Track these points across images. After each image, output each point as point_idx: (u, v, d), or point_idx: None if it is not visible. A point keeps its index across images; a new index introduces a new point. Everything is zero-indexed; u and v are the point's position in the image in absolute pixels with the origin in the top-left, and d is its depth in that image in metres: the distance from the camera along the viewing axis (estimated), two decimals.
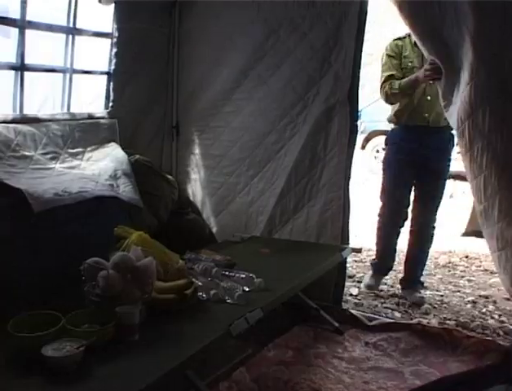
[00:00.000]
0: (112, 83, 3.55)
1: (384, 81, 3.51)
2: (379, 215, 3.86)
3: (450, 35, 2.59)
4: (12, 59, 3.01)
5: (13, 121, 2.97)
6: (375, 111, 10.62)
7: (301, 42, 3.38)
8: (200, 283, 2.29)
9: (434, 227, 3.79)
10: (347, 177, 3.32)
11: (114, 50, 3.51)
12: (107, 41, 3.52)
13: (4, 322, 1.82)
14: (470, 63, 2.41)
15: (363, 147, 10.13)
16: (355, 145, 3.36)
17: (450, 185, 9.11)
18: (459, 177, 9.64)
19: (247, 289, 2.32)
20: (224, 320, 2.06)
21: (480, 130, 2.46)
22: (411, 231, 3.85)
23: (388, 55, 3.55)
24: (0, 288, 2.14)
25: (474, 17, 2.45)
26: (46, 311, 1.93)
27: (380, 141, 10.42)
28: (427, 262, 4.87)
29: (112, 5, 3.43)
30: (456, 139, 3.28)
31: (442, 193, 3.77)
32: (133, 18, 3.53)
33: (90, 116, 3.45)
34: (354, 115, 3.29)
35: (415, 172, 3.65)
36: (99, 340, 1.81)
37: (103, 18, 3.48)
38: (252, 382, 2.54)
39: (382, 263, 3.99)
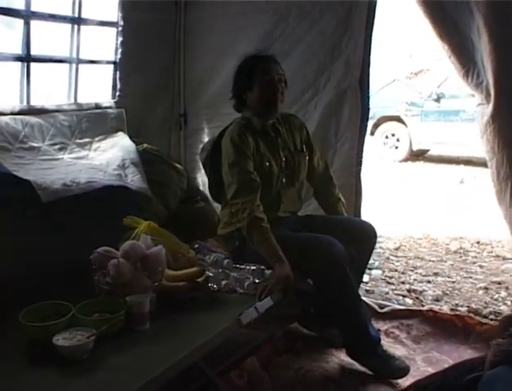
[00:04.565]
0: (118, 72, 3.52)
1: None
2: None
3: (461, 17, 2.57)
4: (17, 50, 2.98)
5: (20, 113, 2.95)
6: (383, 96, 10.61)
7: (311, 29, 3.33)
8: (210, 274, 2.28)
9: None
10: (359, 163, 3.27)
11: (120, 39, 3.48)
12: (112, 31, 3.49)
13: (15, 312, 1.83)
14: (488, 52, 2.40)
15: (372, 134, 10.10)
16: (366, 131, 3.32)
17: (460, 170, 9.14)
18: (470, 162, 9.67)
19: (257, 281, 2.30)
20: (234, 310, 2.07)
21: (493, 115, 2.47)
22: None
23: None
24: (9, 279, 2.13)
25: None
26: (57, 301, 1.94)
27: (389, 127, 10.41)
28: (436, 249, 4.87)
29: None
30: None
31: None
32: (138, 7, 3.49)
33: (98, 106, 3.42)
34: (365, 101, 3.24)
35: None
36: (109, 329, 1.82)
37: (109, 7, 3.45)
38: (262, 370, 2.54)
39: None
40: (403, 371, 2.52)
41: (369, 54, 3.20)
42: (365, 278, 3.83)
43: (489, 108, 2.53)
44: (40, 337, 1.78)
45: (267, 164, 2.65)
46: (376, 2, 3.12)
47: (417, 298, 3.61)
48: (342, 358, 2.72)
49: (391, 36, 19.10)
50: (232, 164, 2.55)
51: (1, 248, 2.23)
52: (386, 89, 11.56)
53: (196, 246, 2.61)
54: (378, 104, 9.99)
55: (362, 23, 3.15)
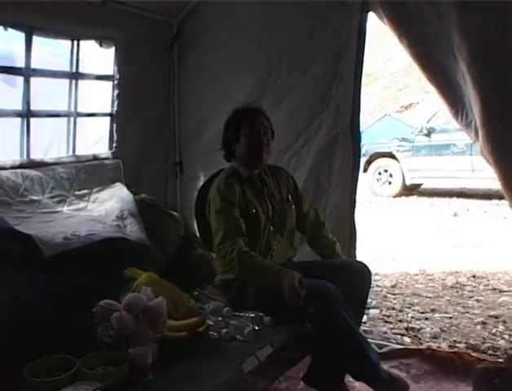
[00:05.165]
0: (115, 124, 3.61)
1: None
2: None
3: (447, 61, 2.69)
4: (18, 106, 3.06)
5: (20, 166, 3.02)
6: (375, 132, 10.76)
7: (302, 77, 3.45)
8: (211, 323, 2.31)
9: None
10: (352, 206, 3.33)
11: (116, 91, 3.58)
12: (109, 84, 3.58)
13: (19, 368, 1.85)
14: (473, 96, 2.50)
15: (365, 170, 10.21)
16: (358, 173, 3.38)
17: (454, 203, 9.22)
18: (462, 194, 9.75)
19: (257, 328, 2.35)
20: (235, 358, 2.11)
21: (483, 152, 2.58)
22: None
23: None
24: (13, 335, 2.16)
25: (466, 47, 2.55)
26: (61, 355, 1.97)
27: (381, 163, 10.53)
28: (433, 285, 4.90)
29: (113, 48, 3.51)
30: None
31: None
32: (133, 59, 3.61)
33: (95, 158, 3.50)
34: (356, 144, 3.32)
35: None
36: (113, 382, 1.84)
37: (106, 61, 3.56)
38: None
39: None
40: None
41: (359, 100, 3.30)
42: (363, 318, 3.84)
43: (479, 146, 2.63)
44: None
45: (254, 211, 2.73)
46: (364, 49, 3.24)
47: (415, 336, 3.61)
48: None
49: (382, 69, 19.48)
50: (219, 211, 2.65)
51: (3, 303, 2.26)
52: (377, 124, 11.73)
53: (196, 294, 2.67)
54: (370, 140, 10.14)
55: (351, 69, 3.25)
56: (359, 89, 3.29)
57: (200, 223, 2.99)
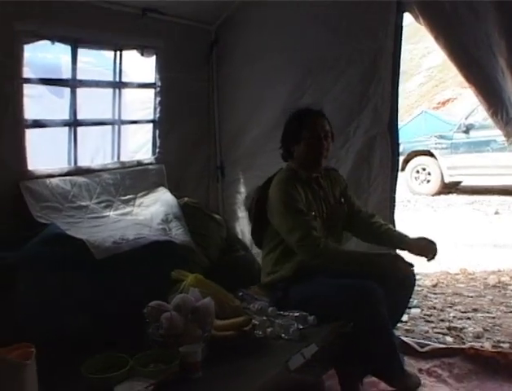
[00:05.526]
0: (157, 130, 3.71)
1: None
2: None
3: (486, 59, 2.70)
4: (65, 115, 3.18)
5: (68, 174, 3.14)
6: (412, 130, 10.63)
7: (338, 80, 3.48)
8: (256, 322, 2.38)
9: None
10: (392, 206, 3.36)
11: (158, 98, 3.68)
12: (151, 91, 3.69)
13: (74, 365, 1.95)
14: None
15: (402, 169, 10.11)
16: (397, 173, 3.40)
17: (495, 200, 9.07)
18: (504, 191, 9.57)
19: (301, 327, 2.40)
20: (281, 356, 2.17)
21: None
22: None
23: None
24: (69, 335, 2.26)
25: (505, 44, 2.56)
26: (115, 353, 2.06)
27: (419, 161, 10.42)
28: (475, 284, 4.85)
29: (154, 57, 3.61)
30: None
31: None
32: (173, 67, 3.70)
33: (139, 163, 3.61)
34: (395, 144, 3.34)
35: None
36: (165, 379, 1.92)
37: (147, 69, 3.67)
38: None
39: None
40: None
41: (397, 99, 3.31)
42: (404, 317, 3.84)
43: None
44: (102, 388, 1.88)
45: (313, 213, 2.77)
46: (400, 49, 3.25)
47: (457, 336, 3.60)
48: None
49: (417, 66, 19.28)
50: (290, 210, 2.68)
51: (59, 304, 2.36)
52: (414, 121, 11.59)
53: (240, 294, 2.74)
54: (407, 138, 10.03)
55: (388, 71, 3.27)
56: (397, 88, 3.31)
57: (256, 221, 3.01)
